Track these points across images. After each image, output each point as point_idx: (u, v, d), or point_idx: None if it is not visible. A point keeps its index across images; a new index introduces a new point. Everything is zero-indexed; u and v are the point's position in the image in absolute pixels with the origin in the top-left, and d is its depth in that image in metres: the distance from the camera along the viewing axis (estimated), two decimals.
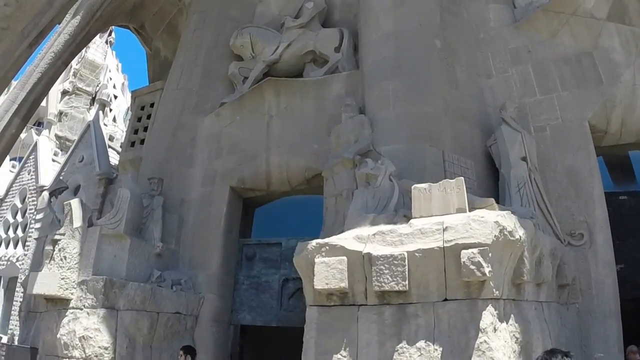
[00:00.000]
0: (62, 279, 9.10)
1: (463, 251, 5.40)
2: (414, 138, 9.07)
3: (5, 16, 4.51)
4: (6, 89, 14.43)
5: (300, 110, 11.23)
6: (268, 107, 11.63)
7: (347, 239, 6.30)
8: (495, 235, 5.42)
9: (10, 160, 26.75)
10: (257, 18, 13.83)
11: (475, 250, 5.32)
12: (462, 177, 6.42)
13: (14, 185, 24.76)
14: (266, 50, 12.51)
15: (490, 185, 9.19)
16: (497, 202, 6.82)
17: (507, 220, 5.71)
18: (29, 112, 13.83)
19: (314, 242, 6.49)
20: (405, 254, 5.72)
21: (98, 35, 26.40)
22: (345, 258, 6.08)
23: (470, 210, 6.05)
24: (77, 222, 9.85)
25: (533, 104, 9.94)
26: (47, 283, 9.09)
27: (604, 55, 9.90)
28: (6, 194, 24.69)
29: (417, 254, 5.68)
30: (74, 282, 9.13)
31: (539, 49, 10.42)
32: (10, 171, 26.77)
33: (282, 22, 13.08)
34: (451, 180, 6.37)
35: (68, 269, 9.25)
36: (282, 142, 11.10)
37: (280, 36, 12.71)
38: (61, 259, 9.41)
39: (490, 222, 5.50)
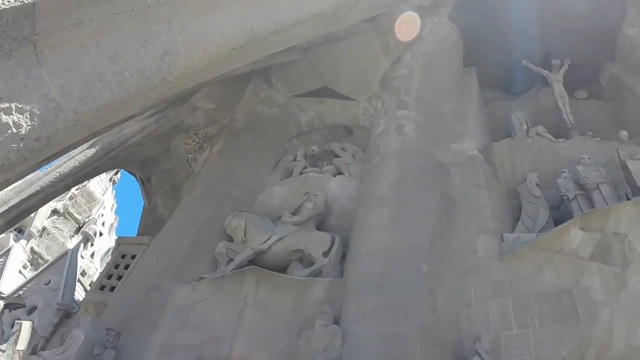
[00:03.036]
0: None
1: None
2: (384, 358, 8.98)
3: (32, 149, 4.62)
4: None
5: (277, 305, 11.14)
6: (245, 294, 11.51)
7: None
8: None
9: None
10: (257, 204, 14.35)
11: None
12: None
13: None
14: (257, 238, 12.74)
15: None
16: None
17: None
18: (15, 219, 13.92)
19: None
20: None
21: None
22: None
23: None
24: (22, 345, 9.53)
25: (509, 338, 9.87)
26: None
27: (584, 293, 10.07)
28: None
29: None
30: None
31: (522, 284, 10.62)
32: None
33: (280, 215, 13.49)
34: None
35: None
36: (250, 333, 10.86)
37: (274, 228, 13.05)
38: None
39: None
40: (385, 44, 15.87)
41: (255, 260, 12.48)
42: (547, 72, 17.68)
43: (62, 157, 13.98)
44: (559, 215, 12.96)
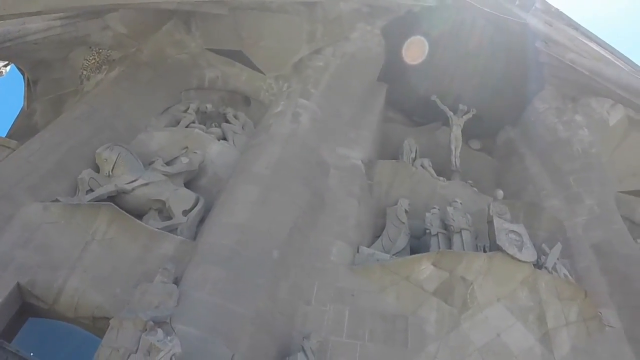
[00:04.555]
0: None
1: None
2: (212, 330, 9.13)
3: None
4: None
5: (123, 249, 10.93)
6: (95, 229, 11.15)
7: None
8: None
9: None
10: (135, 143, 13.99)
11: None
12: None
13: None
14: (124, 177, 12.48)
15: None
16: None
17: None
18: None
19: None
20: None
21: None
22: None
23: None
24: None
25: (337, 344, 10.40)
26: None
27: (419, 323, 10.89)
28: None
29: None
30: None
31: (363, 297, 11.22)
32: None
33: (153, 160, 13.32)
34: None
35: None
36: (90, 269, 10.54)
37: (144, 172, 12.85)
38: None
39: None
40: (312, 32, 16.20)
41: (115, 199, 12.21)
42: (452, 113, 18.57)
43: None
44: (418, 245, 13.69)
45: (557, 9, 19.26)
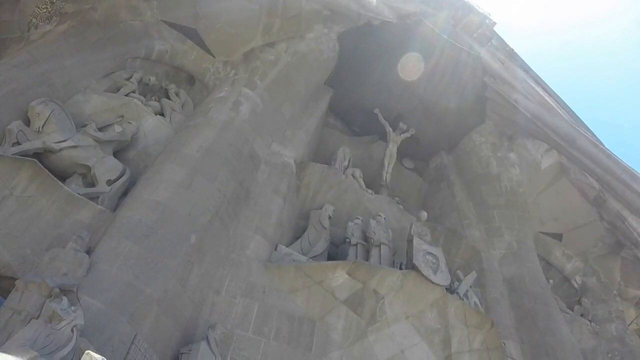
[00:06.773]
0: None
1: None
2: (118, 306, 9.05)
3: None
4: None
5: (40, 209, 10.66)
6: (15, 184, 10.70)
7: None
8: None
9: None
10: (70, 102, 13.70)
11: None
12: None
13: None
14: (53, 135, 12.23)
15: None
16: None
17: None
18: None
19: None
20: None
21: None
22: None
23: None
24: None
25: (241, 338, 10.65)
26: None
27: (325, 329, 11.25)
28: None
29: None
30: None
31: (273, 296, 11.50)
32: None
33: (86, 124, 13.18)
34: None
35: None
36: (2, 225, 10.08)
37: (74, 134, 12.68)
38: None
39: None
40: (269, 25, 16.40)
41: (41, 156, 11.90)
42: (391, 129, 19.17)
43: None
44: (336, 253, 14.13)
45: (512, 49, 19.97)
